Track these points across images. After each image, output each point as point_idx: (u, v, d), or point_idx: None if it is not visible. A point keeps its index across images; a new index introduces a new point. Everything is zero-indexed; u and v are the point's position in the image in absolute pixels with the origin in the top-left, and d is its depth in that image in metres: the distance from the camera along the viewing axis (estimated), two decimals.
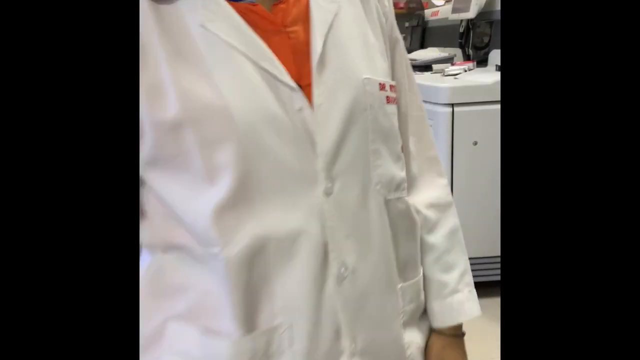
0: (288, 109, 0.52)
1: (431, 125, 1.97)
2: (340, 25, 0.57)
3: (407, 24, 3.45)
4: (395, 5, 3.95)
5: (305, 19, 0.57)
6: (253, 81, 0.51)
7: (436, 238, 0.68)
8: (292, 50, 0.55)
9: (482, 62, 2.33)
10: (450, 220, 0.70)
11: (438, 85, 1.95)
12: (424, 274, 0.67)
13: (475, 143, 1.92)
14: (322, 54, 0.55)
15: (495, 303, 2.29)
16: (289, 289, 0.53)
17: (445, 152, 1.94)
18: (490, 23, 2.32)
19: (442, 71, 2.21)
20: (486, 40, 2.46)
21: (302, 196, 0.53)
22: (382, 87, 0.58)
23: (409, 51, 3.13)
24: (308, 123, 0.53)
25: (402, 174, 0.62)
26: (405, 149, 0.65)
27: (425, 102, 2.26)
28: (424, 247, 0.67)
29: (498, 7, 2.22)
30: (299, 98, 0.53)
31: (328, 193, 0.53)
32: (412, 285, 0.63)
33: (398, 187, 0.60)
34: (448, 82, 1.96)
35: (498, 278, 1.96)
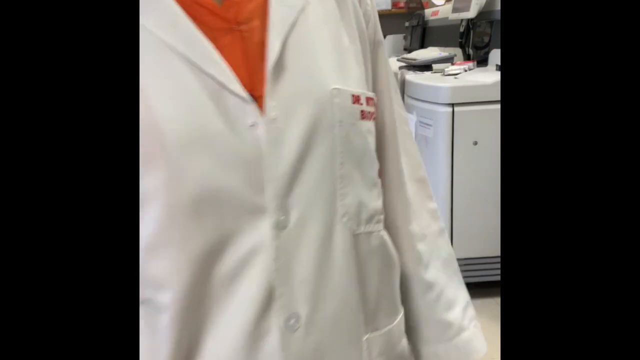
0: (236, 126, 0.43)
1: (431, 125, 2.00)
2: (306, 25, 0.48)
3: (407, 24, 3.45)
4: (395, 4, 3.96)
5: (263, 15, 0.46)
6: (192, 90, 0.42)
7: (433, 274, 0.59)
8: (244, 52, 0.45)
9: (483, 61, 2.32)
10: (444, 250, 0.61)
11: (438, 85, 1.95)
12: (422, 316, 0.59)
13: (476, 143, 1.92)
14: (281, 58, 0.45)
15: (495, 303, 2.31)
16: (220, 347, 0.44)
17: (446, 152, 1.94)
18: (491, 23, 2.32)
19: (442, 71, 2.21)
20: (486, 40, 2.46)
21: (245, 231, 0.43)
22: (355, 99, 0.49)
23: (409, 51, 3.13)
24: (262, 142, 0.43)
25: (377, 203, 0.52)
26: (393, 171, 0.58)
27: (426, 101, 2.28)
28: (420, 287, 0.58)
29: (498, 6, 2.22)
30: (251, 112, 0.43)
31: (280, 227, 0.44)
32: (384, 335, 0.53)
33: (370, 219, 0.50)
34: (448, 82, 1.96)
35: (498, 278, 1.96)
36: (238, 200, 0.43)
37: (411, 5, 3.55)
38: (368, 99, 0.51)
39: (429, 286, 0.58)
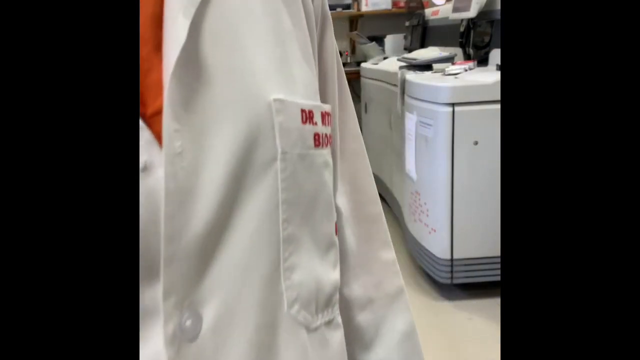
0: None
1: (431, 125, 2.00)
2: (228, 1, 0.31)
3: (407, 23, 3.45)
4: (396, 4, 3.96)
5: None
6: None
7: (381, 353, 0.43)
8: None
9: (483, 61, 2.32)
10: (401, 319, 0.44)
11: (438, 84, 1.95)
12: None
13: (476, 143, 1.92)
14: (189, 49, 0.28)
15: (494, 303, 2.32)
16: None
17: (446, 152, 1.94)
18: (491, 22, 2.31)
19: (442, 71, 2.21)
20: (487, 39, 2.46)
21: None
22: (306, 117, 0.33)
23: (409, 50, 3.13)
24: (158, 197, 0.27)
25: (335, 274, 0.36)
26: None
27: (426, 101, 2.29)
28: None
29: (499, 6, 2.22)
30: (142, 142, 0.27)
31: (186, 337, 0.27)
32: None
33: (329, 301, 0.35)
34: (448, 82, 1.96)
35: (498, 278, 1.97)
36: None
37: (411, 4, 3.55)
38: (324, 115, 0.35)
39: None
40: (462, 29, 2.49)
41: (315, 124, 0.34)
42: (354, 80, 4.04)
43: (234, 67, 0.30)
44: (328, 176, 0.36)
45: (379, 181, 3.19)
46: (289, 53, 0.34)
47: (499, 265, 1.98)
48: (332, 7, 3.95)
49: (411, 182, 2.22)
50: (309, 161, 0.33)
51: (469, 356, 1.73)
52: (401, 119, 2.35)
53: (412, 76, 2.23)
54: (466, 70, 2.15)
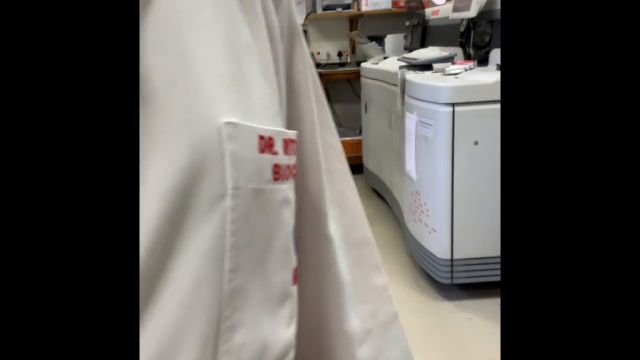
0: None
1: (432, 125, 2.00)
2: (173, 4, 0.26)
3: (407, 23, 3.45)
4: (396, 4, 3.96)
5: None
6: None
7: None
8: None
9: (483, 61, 2.32)
10: (397, 350, 0.43)
11: (439, 84, 1.95)
12: None
13: (476, 143, 1.92)
14: None
15: (495, 303, 2.32)
16: None
17: (446, 152, 1.94)
18: (491, 22, 2.32)
19: (442, 70, 2.21)
20: (487, 39, 2.46)
21: None
22: (265, 144, 0.28)
23: (410, 50, 3.13)
24: None
25: (289, 333, 0.30)
26: (317, 240, 0.37)
27: (426, 101, 2.29)
28: None
29: (499, 6, 2.22)
30: None
31: None
32: None
33: None
34: (449, 82, 1.96)
35: (498, 278, 1.97)
36: None
37: (411, 4, 3.55)
38: (287, 143, 0.30)
39: None
40: (462, 29, 2.49)
41: (276, 153, 0.28)
42: (354, 80, 4.04)
43: (177, 82, 0.26)
44: (288, 215, 0.30)
45: (379, 181, 3.19)
46: (245, 69, 0.28)
47: (499, 265, 1.98)
48: (332, 7, 3.95)
49: (411, 182, 2.22)
50: (266, 198, 0.28)
51: (469, 356, 1.73)
52: (401, 118, 2.35)
53: (412, 76, 2.22)
54: (466, 70, 2.15)
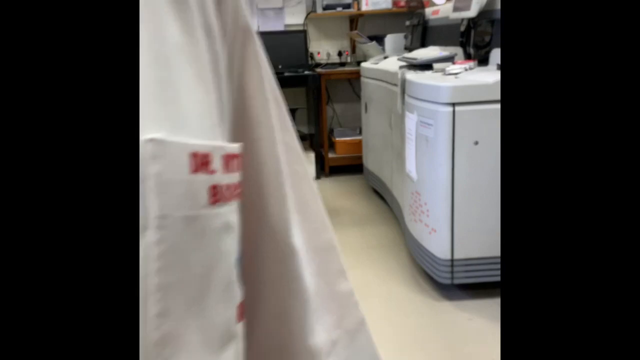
0: None
1: (432, 125, 2.00)
2: None
3: (407, 23, 3.45)
4: (396, 3, 3.96)
5: None
6: None
7: None
8: None
9: (483, 61, 2.32)
10: (365, 354, 0.42)
11: (439, 84, 1.95)
12: None
13: (477, 142, 1.92)
14: None
15: (495, 303, 2.32)
16: None
17: (446, 152, 1.94)
18: (492, 22, 2.31)
19: (443, 70, 2.21)
20: (487, 39, 2.46)
21: None
22: (199, 163, 0.24)
23: (410, 50, 3.13)
24: None
25: None
26: (278, 252, 0.34)
27: (426, 101, 2.29)
28: None
29: (499, 5, 2.22)
30: None
31: None
32: None
33: None
34: (449, 82, 1.96)
35: (498, 278, 1.97)
36: None
37: (412, 4, 3.55)
38: (228, 159, 0.26)
39: None
40: (462, 29, 2.49)
41: (213, 172, 0.25)
42: (354, 80, 4.04)
43: None
44: (230, 243, 0.26)
45: (379, 181, 3.19)
46: (174, 72, 0.24)
47: (499, 266, 1.98)
48: (332, 7, 3.95)
49: (411, 182, 2.21)
50: (201, 226, 0.24)
51: (469, 356, 1.73)
52: (401, 118, 2.35)
53: (412, 76, 2.22)
54: (466, 70, 2.15)
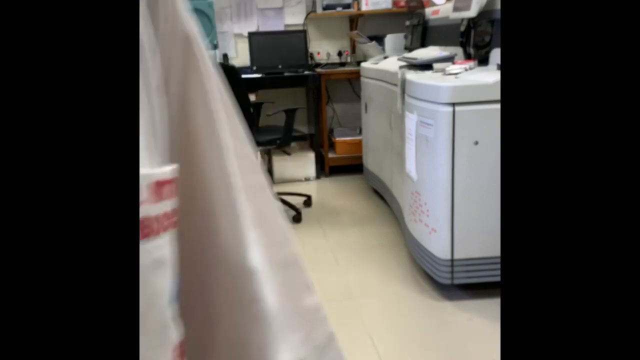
0: None
1: (432, 125, 2.00)
2: None
3: (407, 23, 3.45)
4: (396, 3, 3.96)
5: None
6: None
7: None
8: None
9: (483, 61, 2.32)
10: None
11: (439, 84, 1.95)
12: None
13: (477, 143, 1.92)
14: None
15: (495, 303, 2.31)
16: None
17: (446, 152, 1.94)
18: (492, 22, 2.31)
19: (443, 70, 2.21)
20: (487, 39, 2.46)
21: None
22: None
23: (410, 50, 3.13)
24: None
25: None
26: (234, 268, 0.32)
27: (426, 101, 2.29)
28: None
29: (499, 5, 2.22)
30: None
31: None
32: None
33: None
34: (449, 82, 1.96)
35: (498, 278, 1.97)
36: None
37: (412, 4, 3.55)
38: (158, 187, 0.24)
39: None
40: (462, 29, 2.48)
41: (140, 201, 0.22)
42: (354, 80, 4.04)
43: None
44: (163, 281, 0.24)
45: (379, 181, 3.19)
46: None
47: (499, 266, 1.98)
48: (332, 7, 3.95)
49: (411, 182, 2.21)
50: None
51: (469, 356, 1.73)
52: (401, 118, 2.35)
53: (412, 76, 2.22)
54: (467, 70, 2.15)
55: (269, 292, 0.33)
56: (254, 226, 0.33)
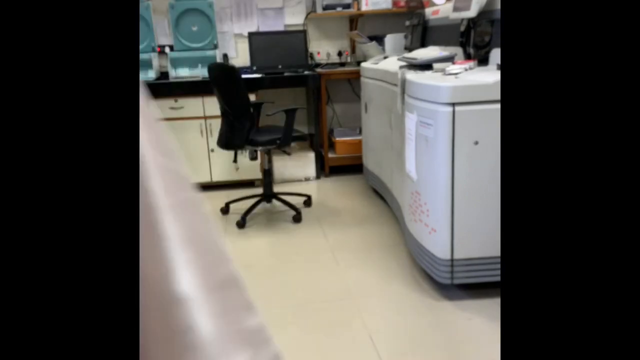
0: None
1: (432, 125, 2.00)
2: None
3: (407, 23, 3.45)
4: (396, 4, 3.96)
5: None
6: None
7: None
8: None
9: (483, 61, 2.32)
10: None
11: (439, 84, 1.95)
12: None
13: (477, 142, 1.92)
14: None
15: (495, 303, 2.31)
16: None
17: (446, 152, 1.94)
18: (492, 22, 2.31)
19: (442, 70, 2.21)
20: (487, 39, 2.46)
21: None
22: None
23: (410, 50, 3.13)
24: None
25: None
26: (161, 298, 0.30)
27: (426, 101, 2.29)
28: None
29: (499, 6, 2.22)
30: None
31: None
32: None
33: None
34: (449, 81, 1.96)
35: (499, 278, 1.97)
36: None
37: (412, 4, 3.55)
38: None
39: None
40: (462, 29, 2.48)
41: None
42: (354, 80, 4.04)
43: None
44: None
45: (379, 181, 3.19)
46: None
47: (499, 265, 1.98)
48: (332, 7, 3.95)
49: (411, 182, 2.22)
50: None
51: (469, 356, 1.73)
52: (401, 118, 2.35)
53: (412, 76, 2.22)
54: (466, 70, 2.15)
55: (204, 317, 0.31)
56: (183, 248, 0.30)
